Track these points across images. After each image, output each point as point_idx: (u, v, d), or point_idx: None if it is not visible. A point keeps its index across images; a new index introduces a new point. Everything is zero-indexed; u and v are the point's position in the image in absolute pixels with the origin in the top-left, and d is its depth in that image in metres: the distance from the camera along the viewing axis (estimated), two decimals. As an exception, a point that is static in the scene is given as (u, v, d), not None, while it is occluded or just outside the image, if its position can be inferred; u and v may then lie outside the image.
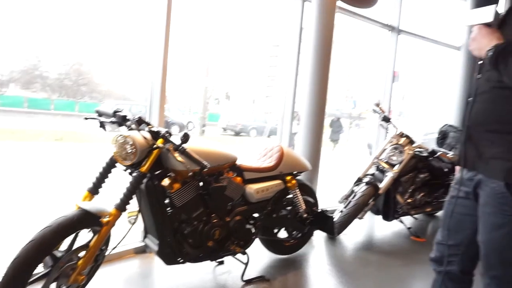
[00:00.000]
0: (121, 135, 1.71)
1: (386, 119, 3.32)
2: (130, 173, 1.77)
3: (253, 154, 2.53)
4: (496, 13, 1.20)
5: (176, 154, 1.66)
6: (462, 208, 1.36)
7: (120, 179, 1.82)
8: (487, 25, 1.20)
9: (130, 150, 1.69)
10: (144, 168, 1.69)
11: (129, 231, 1.78)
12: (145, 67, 2.77)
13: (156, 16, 2.77)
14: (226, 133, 18.10)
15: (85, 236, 1.64)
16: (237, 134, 17.76)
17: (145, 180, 1.76)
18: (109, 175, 1.81)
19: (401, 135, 3.29)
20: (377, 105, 3.35)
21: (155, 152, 1.72)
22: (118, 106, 1.79)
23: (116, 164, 1.80)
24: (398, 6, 4.55)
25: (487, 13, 1.19)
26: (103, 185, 1.79)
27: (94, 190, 1.77)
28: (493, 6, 1.20)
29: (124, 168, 1.80)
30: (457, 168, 1.43)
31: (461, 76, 5.04)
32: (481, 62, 1.27)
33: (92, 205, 1.63)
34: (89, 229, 1.64)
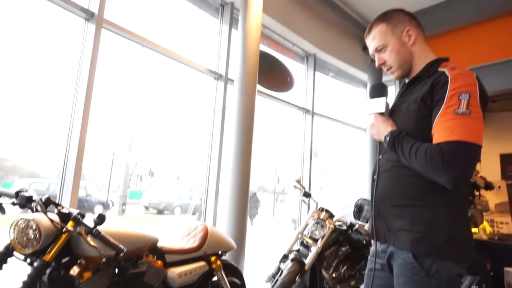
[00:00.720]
0: (22, 219, 1.51)
1: (307, 195, 3.46)
2: (31, 263, 1.54)
3: (176, 234, 2.40)
4: (387, 104, 1.42)
5: (89, 238, 1.50)
6: (380, 279, 1.42)
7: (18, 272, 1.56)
8: (381, 113, 1.42)
9: (33, 236, 1.48)
10: (48, 256, 1.48)
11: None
12: (59, 139, 2.61)
13: (76, 86, 2.70)
14: (149, 211, 17.11)
15: None
16: (160, 212, 16.88)
17: (48, 270, 1.53)
18: (3, 266, 1.54)
19: (322, 209, 3.43)
20: (298, 181, 3.51)
21: (63, 236, 1.53)
22: (22, 186, 1.61)
23: (14, 253, 1.55)
24: (311, 92, 5.10)
25: (379, 104, 1.42)
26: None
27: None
28: (383, 98, 1.42)
29: (23, 257, 1.56)
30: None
31: (369, 154, 5.63)
32: (380, 144, 1.47)
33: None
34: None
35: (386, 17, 1.45)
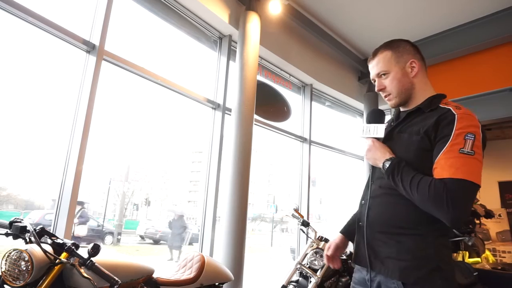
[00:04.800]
0: (15, 250, 1.48)
1: (305, 224, 3.42)
2: (21, 296, 1.49)
3: (172, 265, 2.35)
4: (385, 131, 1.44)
5: (83, 270, 1.47)
6: None
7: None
8: (378, 139, 1.43)
9: (25, 268, 1.45)
10: (40, 289, 1.44)
11: None
12: (56, 169, 2.60)
13: (74, 116, 2.73)
14: (145, 241, 16.76)
15: None
16: (156, 242, 16.54)
17: (39, 304, 1.49)
18: (-8, 300, 1.50)
19: (321, 239, 3.38)
20: (296, 210, 3.47)
21: (56, 268, 1.49)
22: (16, 217, 1.59)
23: (5, 286, 1.51)
24: (308, 121, 5.16)
25: (379, 130, 1.42)
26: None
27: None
28: (383, 124, 1.44)
29: (14, 290, 1.51)
30: (336, 248, 1.59)
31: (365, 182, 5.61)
32: (373, 170, 1.49)
33: None
34: None
35: (393, 45, 1.49)
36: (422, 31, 5.02)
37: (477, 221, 4.40)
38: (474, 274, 3.67)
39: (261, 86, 4.27)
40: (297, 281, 3.26)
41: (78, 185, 2.54)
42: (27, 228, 1.51)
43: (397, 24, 4.89)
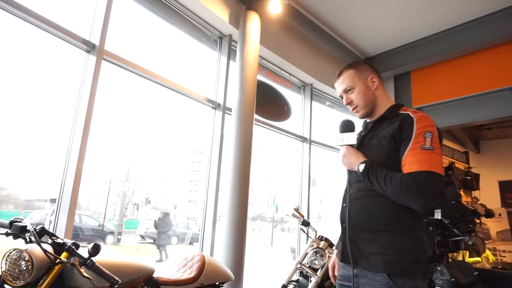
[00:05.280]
0: (15, 249, 1.48)
1: (306, 223, 3.43)
2: (21, 296, 1.49)
3: (172, 265, 2.35)
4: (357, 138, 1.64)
5: (83, 270, 1.47)
6: None
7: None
8: (351, 145, 1.62)
9: (25, 267, 1.45)
10: (40, 289, 1.44)
11: None
12: (56, 168, 2.60)
13: (74, 116, 2.73)
14: (145, 241, 16.76)
15: None
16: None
17: (39, 304, 1.49)
18: (-7, 299, 1.50)
19: (321, 238, 3.38)
20: (296, 209, 3.48)
21: (56, 268, 1.49)
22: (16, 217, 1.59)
23: (5, 286, 1.51)
24: (308, 121, 5.16)
25: (352, 138, 1.61)
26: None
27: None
28: (355, 133, 1.63)
29: (14, 290, 1.51)
30: (338, 264, 1.67)
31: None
32: (349, 174, 1.66)
33: None
34: None
35: (354, 65, 1.73)
36: (422, 30, 5.02)
37: (478, 221, 4.40)
38: (475, 273, 3.68)
39: (261, 85, 4.27)
40: (297, 281, 3.26)
41: (79, 185, 2.54)
42: (27, 228, 1.51)
43: (397, 24, 4.89)
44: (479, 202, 5.48)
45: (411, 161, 1.42)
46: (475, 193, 6.53)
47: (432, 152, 1.41)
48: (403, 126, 1.49)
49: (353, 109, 1.72)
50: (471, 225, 3.87)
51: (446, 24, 4.86)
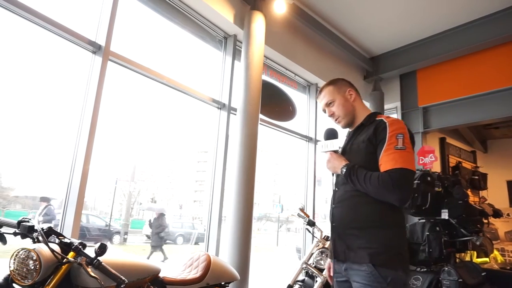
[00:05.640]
0: (23, 249, 1.49)
1: (311, 223, 3.42)
2: (29, 295, 1.50)
3: (178, 264, 2.36)
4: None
5: (90, 269, 1.47)
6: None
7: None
8: (335, 151, 1.78)
9: (33, 267, 1.46)
10: (47, 288, 1.45)
11: None
12: (63, 168, 2.61)
13: (81, 117, 2.74)
14: (150, 240, 16.83)
15: None
16: (164, 242, 16.58)
17: (47, 303, 1.50)
18: (1, 298, 1.51)
19: (326, 238, 3.37)
20: (301, 209, 3.47)
21: (64, 267, 1.50)
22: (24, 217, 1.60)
23: (13, 285, 1.52)
24: (314, 120, 5.15)
25: (334, 144, 1.78)
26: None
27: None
28: (337, 140, 1.79)
29: (23, 289, 1.52)
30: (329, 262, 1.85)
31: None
32: (336, 178, 1.81)
33: None
34: None
35: (332, 82, 1.92)
36: (427, 29, 4.98)
37: (485, 221, 4.36)
38: (482, 274, 3.64)
39: (266, 85, 4.26)
40: (303, 281, 3.26)
41: (85, 185, 2.56)
42: (35, 228, 1.52)
43: (402, 23, 4.86)
44: (486, 202, 5.42)
45: (386, 160, 1.58)
46: (482, 193, 6.47)
47: (404, 151, 1.57)
48: (378, 130, 1.66)
49: (336, 120, 1.90)
50: (478, 225, 3.84)
51: (451, 23, 4.83)
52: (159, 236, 8.28)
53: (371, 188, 1.58)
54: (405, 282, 1.57)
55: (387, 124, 1.65)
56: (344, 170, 1.68)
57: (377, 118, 1.75)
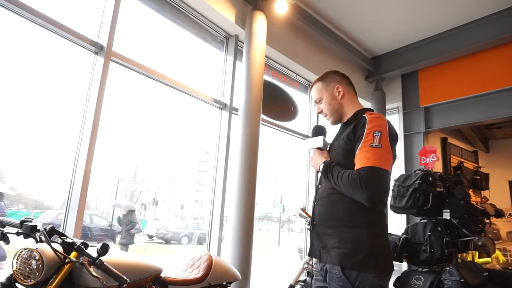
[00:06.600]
0: (25, 249, 1.50)
1: (313, 223, 3.41)
2: (32, 295, 1.51)
3: (180, 264, 2.36)
4: (324, 141, 1.79)
5: (92, 269, 1.48)
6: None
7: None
8: (320, 149, 1.77)
9: (35, 266, 1.46)
10: (50, 288, 1.46)
11: None
12: (65, 168, 2.63)
13: (83, 117, 2.75)
14: (153, 241, 16.87)
15: None
16: (167, 242, 16.63)
17: (49, 302, 1.50)
18: (4, 298, 1.52)
19: (328, 238, 3.36)
20: (303, 209, 3.48)
21: (66, 267, 1.51)
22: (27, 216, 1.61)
23: (16, 285, 1.53)
24: (315, 120, 5.14)
25: (318, 141, 1.78)
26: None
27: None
28: (321, 137, 1.79)
29: (25, 288, 1.53)
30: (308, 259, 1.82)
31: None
32: (320, 175, 1.76)
33: None
34: None
35: (322, 77, 1.88)
36: (429, 29, 4.98)
37: (487, 221, 4.34)
38: (484, 274, 3.64)
39: (267, 85, 4.27)
40: (304, 281, 3.26)
41: (87, 185, 2.57)
42: (38, 228, 1.53)
43: (403, 23, 4.86)
44: (488, 202, 5.40)
45: (359, 158, 1.54)
46: (484, 193, 6.45)
47: (379, 149, 1.51)
48: (357, 127, 1.63)
49: (325, 117, 1.89)
50: (480, 225, 3.83)
51: (452, 23, 4.82)
52: (129, 234, 7.87)
53: (342, 187, 1.55)
54: (380, 284, 1.49)
55: (367, 120, 1.61)
56: (322, 167, 1.68)
57: (364, 115, 1.69)
